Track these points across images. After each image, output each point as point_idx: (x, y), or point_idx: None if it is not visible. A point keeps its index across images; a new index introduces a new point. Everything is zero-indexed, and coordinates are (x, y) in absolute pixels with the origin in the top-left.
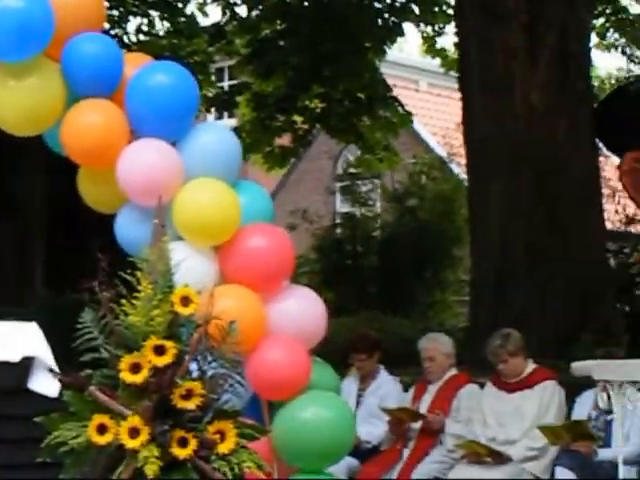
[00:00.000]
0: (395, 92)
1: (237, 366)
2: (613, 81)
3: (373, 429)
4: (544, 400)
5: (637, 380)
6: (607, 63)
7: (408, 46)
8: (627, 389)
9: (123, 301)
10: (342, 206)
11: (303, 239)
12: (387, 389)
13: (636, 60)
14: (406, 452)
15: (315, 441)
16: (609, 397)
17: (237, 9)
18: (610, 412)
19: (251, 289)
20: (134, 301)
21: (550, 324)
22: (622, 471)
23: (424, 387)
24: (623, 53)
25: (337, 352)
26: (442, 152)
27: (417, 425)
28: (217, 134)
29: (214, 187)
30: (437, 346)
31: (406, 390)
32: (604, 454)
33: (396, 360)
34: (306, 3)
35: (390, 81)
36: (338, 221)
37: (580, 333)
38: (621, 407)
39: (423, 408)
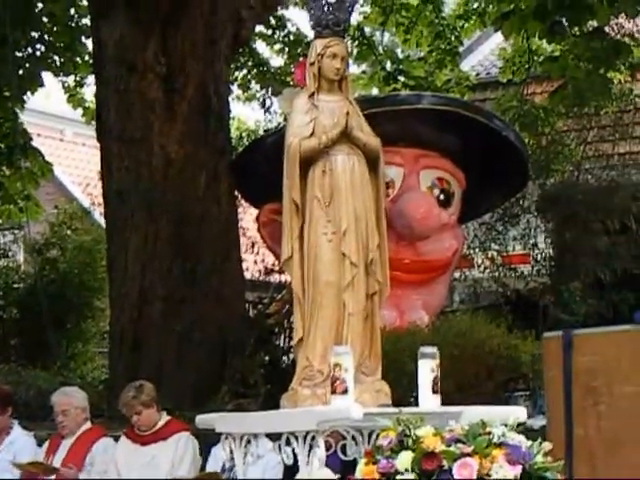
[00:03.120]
0: (40, 141)
1: None
2: (263, 133)
3: None
4: (178, 452)
5: (258, 432)
6: (249, 115)
7: (55, 95)
8: (250, 441)
9: None
10: None
11: None
12: (20, 444)
13: (274, 112)
14: None
15: None
16: (232, 450)
17: None
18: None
19: None
20: None
21: (189, 376)
22: None
23: (58, 442)
24: (262, 105)
25: None
26: (85, 202)
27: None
28: None
29: None
30: (70, 400)
31: (41, 445)
32: None
33: (34, 414)
34: None
35: (35, 130)
36: None
37: (219, 384)
38: (242, 460)
39: (57, 463)
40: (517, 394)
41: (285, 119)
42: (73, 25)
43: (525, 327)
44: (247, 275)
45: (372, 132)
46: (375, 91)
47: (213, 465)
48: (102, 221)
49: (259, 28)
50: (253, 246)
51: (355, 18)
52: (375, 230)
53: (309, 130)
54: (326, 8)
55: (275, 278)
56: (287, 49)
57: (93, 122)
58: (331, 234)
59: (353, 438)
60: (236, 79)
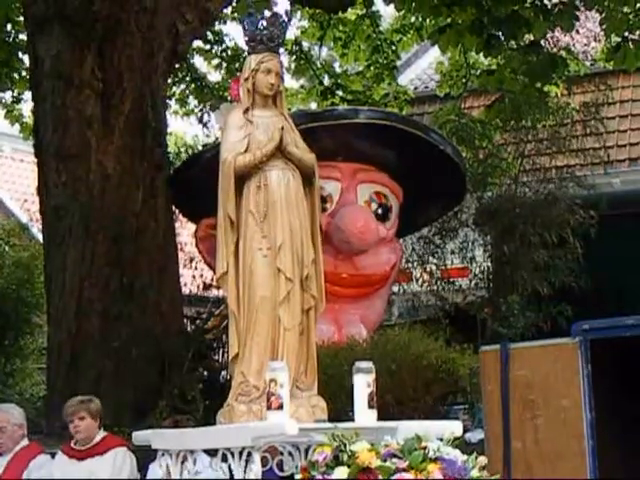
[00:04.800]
0: None
1: None
2: (200, 148)
3: None
4: (116, 466)
5: (194, 449)
6: (187, 130)
7: None
8: (187, 458)
9: None
10: None
11: None
12: None
13: (212, 127)
14: None
15: None
16: (168, 466)
17: None
18: None
19: None
20: None
21: (127, 391)
22: None
23: None
24: (200, 121)
25: None
26: (24, 218)
27: None
28: None
29: None
30: (7, 417)
31: None
32: None
33: None
34: None
35: None
36: None
37: (157, 400)
38: (179, 476)
39: None
40: (456, 408)
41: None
42: (10, 41)
43: (463, 340)
44: (185, 290)
45: (307, 147)
46: (313, 106)
47: None
48: (40, 237)
49: (197, 43)
50: (191, 261)
51: (293, 32)
52: (310, 245)
53: (244, 146)
54: (260, 23)
55: (213, 293)
56: (225, 64)
57: (31, 138)
58: (266, 249)
59: (290, 454)
60: (174, 94)
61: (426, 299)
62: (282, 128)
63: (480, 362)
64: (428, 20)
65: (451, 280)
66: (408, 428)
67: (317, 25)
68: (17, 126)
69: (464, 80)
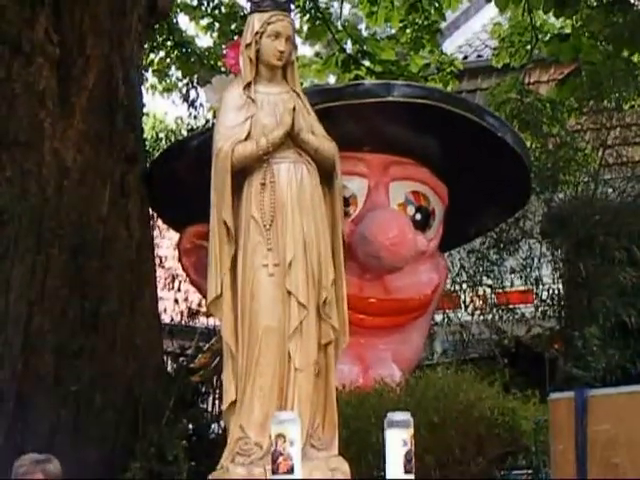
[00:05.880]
0: None
1: None
2: (186, 133)
3: None
4: None
5: None
6: (168, 110)
7: None
8: None
9: None
10: None
11: None
12: None
13: (201, 107)
14: None
15: None
16: None
17: None
18: None
19: None
20: None
21: (89, 449)
22: None
23: None
24: (185, 99)
25: None
26: None
27: None
28: None
29: None
30: None
31: None
32: None
33: None
34: None
35: None
36: None
37: (129, 461)
38: None
39: None
40: (516, 472)
41: (215, 116)
42: None
43: (527, 386)
44: (166, 318)
45: (326, 134)
46: (332, 80)
47: None
48: None
49: None
50: (173, 281)
51: None
52: (329, 261)
53: (244, 131)
54: None
55: (202, 322)
56: (218, 25)
57: None
58: (273, 266)
59: None
60: (152, 63)
61: (478, 331)
62: (294, 109)
63: (549, 414)
64: None
65: (511, 307)
66: None
67: None
68: None
69: (529, 47)
